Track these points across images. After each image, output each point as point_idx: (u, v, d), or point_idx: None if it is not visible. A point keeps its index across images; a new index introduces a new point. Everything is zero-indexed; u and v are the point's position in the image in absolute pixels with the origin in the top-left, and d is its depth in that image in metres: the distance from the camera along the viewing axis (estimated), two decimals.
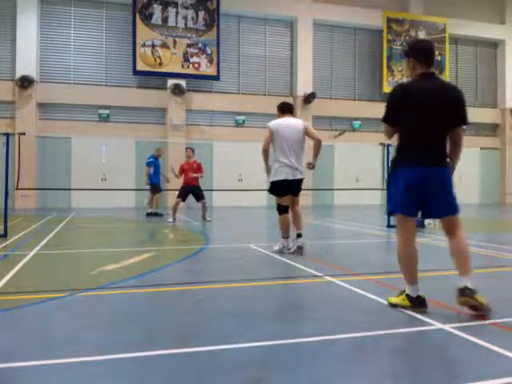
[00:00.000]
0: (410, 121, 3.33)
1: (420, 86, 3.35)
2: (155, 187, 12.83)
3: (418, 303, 3.32)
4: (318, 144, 6.10)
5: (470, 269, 3.27)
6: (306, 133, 6.10)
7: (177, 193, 11.61)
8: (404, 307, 3.37)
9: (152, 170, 12.82)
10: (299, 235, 6.08)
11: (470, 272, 3.26)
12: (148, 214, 12.78)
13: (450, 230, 3.43)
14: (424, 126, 3.30)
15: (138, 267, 5.28)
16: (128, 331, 2.97)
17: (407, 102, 3.33)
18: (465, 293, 3.16)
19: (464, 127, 3.61)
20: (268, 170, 6.14)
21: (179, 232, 9.59)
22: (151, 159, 13.04)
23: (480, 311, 3.17)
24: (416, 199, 3.31)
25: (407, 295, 3.38)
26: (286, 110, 6.23)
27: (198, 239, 8.20)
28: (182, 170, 11.63)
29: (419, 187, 3.28)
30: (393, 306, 3.46)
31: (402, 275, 3.42)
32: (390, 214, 3.54)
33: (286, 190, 6.04)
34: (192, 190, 11.45)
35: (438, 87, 3.39)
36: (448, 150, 3.48)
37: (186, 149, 12.03)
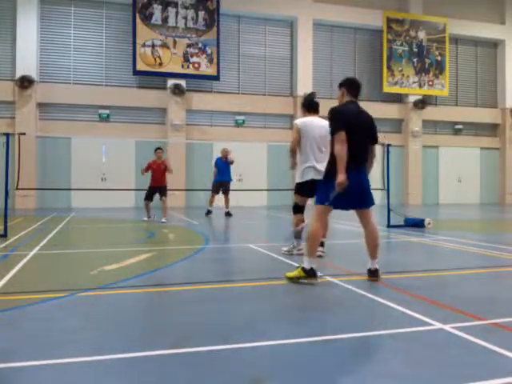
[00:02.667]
0: (349, 135, 4.13)
1: (351, 109, 4.33)
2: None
3: (311, 273, 4.19)
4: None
5: (377, 253, 4.40)
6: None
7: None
8: (299, 278, 4.20)
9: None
10: (322, 244, 5.82)
11: (377, 255, 4.40)
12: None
13: (366, 220, 4.40)
14: (358, 140, 4.22)
15: (138, 267, 5.28)
16: (128, 331, 2.97)
17: (347, 119, 4.19)
18: (376, 274, 4.37)
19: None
20: (293, 165, 5.93)
21: (179, 232, 9.59)
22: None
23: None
24: (346, 197, 4.17)
25: (303, 268, 4.21)
26: (312, 108, 5.95)
27: (197, 239, 8.19)
28: (149, 169, 11.62)
29: (352, 188, 4.11)
30: (290, 279, 4.26)
31: (307, 250, 4.23)
32: (315, 203, 4.31)
33: (311, 192, 5.68)
34: (157, 190, 11.60)
35: (361, 111, 4.42)
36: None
37: (156, 149, 11.83)
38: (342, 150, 4.11)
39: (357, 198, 4.27)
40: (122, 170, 18.74)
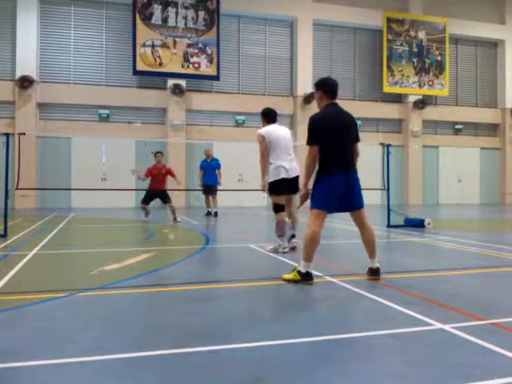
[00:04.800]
0: (331, 141, 4.20)
1: (330, 114, 4.30)
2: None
3: (306, 277, 4.23)
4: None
5: (376, 252, 4.50)
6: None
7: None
8: (295, 281, 4.23)
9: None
10: (293, 236, 6.35)
11: (376, 255, 4.50)
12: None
13: (360, 220, 4.43)
14: (341, 143, 4.24)
15: (138, 267, 5.28)
16: (128, 331, 2.97)
17: (326, 127, 4.21)
18: (378, 272, 4.46)
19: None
20: (264, 173, 6.26)
21: (179, 232, 9.59)
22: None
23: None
24: (338, 200, 4.26)
25: (298, 271, 4.25)
26: (272, 118, 6.45)
27: (197, 239, 8.19)
28: (149, 174, 11.14)
29: (342, 189, 4.21)
30: (287, 281, 4.30)
31: (304, 254, 4.25)
32: (310, 208, 4.30)
33: (284, 189, 6.20)
34: (157, 194, 11.10)
35: (341, 113, 4.37)
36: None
37: (156, 153, 11.39)
38: (309, 165, 4.20)
39: (348, 200, 4.30)
40: (122, 170, 18.71)
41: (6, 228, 7.83)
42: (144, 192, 11.67)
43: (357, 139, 4.47)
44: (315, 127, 4.23)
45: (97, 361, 2.45)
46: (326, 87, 4.38)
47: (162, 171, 11.14)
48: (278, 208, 6.29)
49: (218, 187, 13.28)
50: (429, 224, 9.60)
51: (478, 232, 9.76)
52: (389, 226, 9.65)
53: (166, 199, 11.04)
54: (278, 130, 6.30)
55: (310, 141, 4.21)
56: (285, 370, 2.34)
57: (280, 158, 6.12)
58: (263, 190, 6.35)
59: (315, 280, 4.50)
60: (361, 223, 4.45)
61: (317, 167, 4.31)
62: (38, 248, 6.64)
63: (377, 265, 4.46)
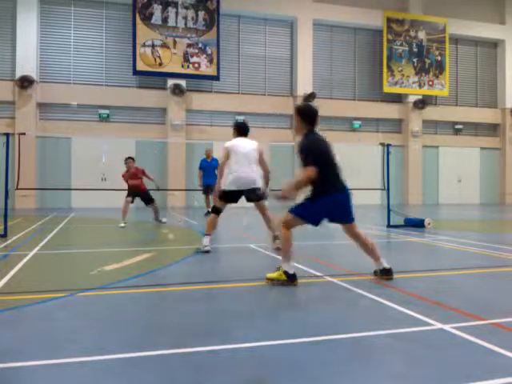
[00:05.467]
0: (328, 162, 4.36)
1: (320, 139, 4.43)
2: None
3: (293, 278, 4.28)
4: (266, 174, 6.64)
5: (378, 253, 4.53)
6: (260, 156, 6.52)
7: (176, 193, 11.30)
8: (281, 281, 4.26)
9: None
10: (276, 237, 6.35)
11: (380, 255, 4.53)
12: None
13: (352, 232, 4.54)
14: (333, 165, 4.44)
15: (138, 267, 5.28)
16: (128, 331, 2.97)
17: (323, 148, 4.37)
18: (389, 272, 4.46)
19: None
20: (220, 182, 6.49)
21: (179, 232, 9.59)
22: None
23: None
24: (328, 215, 4.44)
25: (285, 272, 4.30)
26: (244, 132, 6.60)
27: (197, 239, 8.19)
28: (127, 180, 10.76)
29: (335, 208, 4.38)
30: (270, 280, 4.33)
31: (284, 255, 4.38)
32: (295, 215, 4.41)
33: (228, 199, 6.47)
34: (139, 196, 10.71)
35: (324, 139, 4.49)
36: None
37: (126, 159, 10.95)
38: (302, 183, 4.30)
39: (338, 215, 4.46)
40: (122, 170, 18.71)
41: (6, 228, 7.83)
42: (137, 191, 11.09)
43: None
44: (314, 149, 4.31)
45: (97, 361, 2.45)
46: (307, 115, 4.42)
47: (136, 175, 10.66)
48: (215, 210, 6.55)
49: None
50: (429, 224, 9.60)
51: (477, 232, 9.76)
52: (389, 226, 9.65)
53: (147, 200, 10.72)
54: (241, 144, 6.44)
55: (311, 160, 4.24)
56: (285, 370, 2.34)
57: (238, 168, 6.32)
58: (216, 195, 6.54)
59: (315, 280, 4.50)
60: (353, 234, 4.55)
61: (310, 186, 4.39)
62: (38, 248, 6.64)
63: (387, 265, 4.49)
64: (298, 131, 4.48)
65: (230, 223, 11.82)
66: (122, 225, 10.05)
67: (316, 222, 4.44)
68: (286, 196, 4.34)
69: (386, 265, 4.47)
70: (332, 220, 4.48)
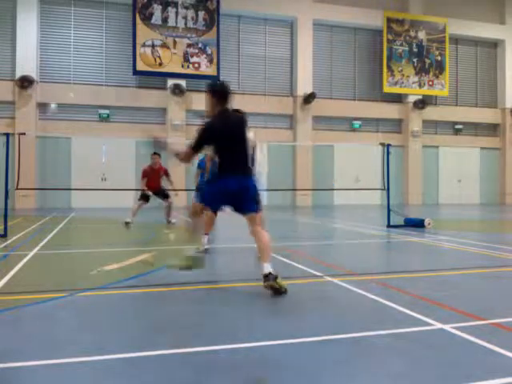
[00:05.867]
0: (224, 146, 4.19)
1: (218, 122, 4.22)
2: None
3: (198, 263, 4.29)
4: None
5: (270, 257, 4.06)
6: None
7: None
8: (184, 267, 4.26)
9: None
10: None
11: (269, 259, 4.01)
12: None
13: (254, 225, 4.25)
14: (234, 149, 4.19)
15: (138, 267, 5.28)
16: (128, 331, 2.97)
17: (217, 133, 4.18)
18: (269, 278, 3.87)
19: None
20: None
21: (179, 232, 9.59)
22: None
23: (281, 293, 3.85)
24: (224, 201, 4.30)
25: (189, 257, 4.27)
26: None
27: (197, 239, 8.18)
28: (145, 176, 10.33)
29: (230, 192, 4.15)
30: (171, 267, 4.37)
31: (192, 240, 4.49)
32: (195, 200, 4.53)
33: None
34: (158, 194, 10.38)
35: (227, 118, 4.24)
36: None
37: (153, 154, 10.48)
38: (180, 156, 4.27)
39: (234, 202, 4.23)
40: (122, 170, 18.74)
41: (6, 228, 7.83)
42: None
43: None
44: (204, 132, 4.19)
45: (97, 361, 2.45)
46: (215, 93, 4.24)
47: (159, 173, 10.46)
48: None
49: None
50: (429, 224, 9.60)
51: (478, 232, 9.76)
52: (389, 226, 9.65)
53: (165, 195, 10.45)
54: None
55: (193, 146, 4.20)
56: (285, 370, 2.34)
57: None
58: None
59: (315, 280, 4.50)
60: (253, 230, 4.26)
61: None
62: (38, 248, 6.64)
63: (268, 270, 3.91)
64: (210, 112, 4.26)
65: (230, 223, 11.82)
66: (129, 220, 9.63)
67: (212, 206, 4.41)
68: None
69: (268, 270, 3.91)
70: (234, 208, 4.30)
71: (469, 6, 23.77)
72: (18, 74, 17.84)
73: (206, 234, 6.41)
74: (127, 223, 9.57)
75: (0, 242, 7.12)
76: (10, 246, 6.90)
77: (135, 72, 19.13)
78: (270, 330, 2.97)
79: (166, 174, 10.60)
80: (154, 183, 10.33)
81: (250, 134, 6.37)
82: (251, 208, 4.22)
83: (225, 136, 4.16)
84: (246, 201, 4.20)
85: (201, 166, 13.46)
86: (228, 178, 4.12)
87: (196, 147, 4.21)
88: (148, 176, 10.35)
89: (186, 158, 4.28)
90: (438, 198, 23.56)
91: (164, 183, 10.86)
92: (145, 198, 10.30)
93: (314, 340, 2.76)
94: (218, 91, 4.23)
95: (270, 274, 3.87)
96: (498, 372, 2.28)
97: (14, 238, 7.76)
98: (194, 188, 12.90)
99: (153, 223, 11.07)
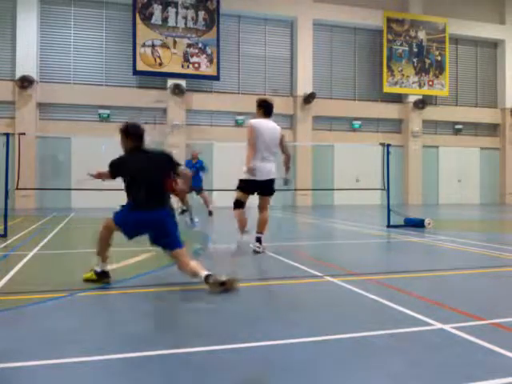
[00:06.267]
0: (132, 181, 4.33)
1: (135, 158, 4.38)
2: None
3: (103, 276, 4.31)
4: (287, 158, 6.37)
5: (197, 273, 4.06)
6: (280, 141, 6.24)
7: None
8: (93, 281, 4.28)
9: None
10: (258, 239, 6.21)
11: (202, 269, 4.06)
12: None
13: (181, 258, 4.19)
14: (144, 185, 4.27)
15: (138, 267, 5.28)
16: (128, 331, 2.97)
17: (124, 169, 4.37)
18: (208, 280, 3.93)
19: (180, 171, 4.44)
20: (249, 162, 6.15)
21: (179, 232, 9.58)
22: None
23: (228, 287, 3.89)
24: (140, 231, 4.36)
25: (95, 271, 4.33)
26: (269, 113, 6.25)
27: (197, 239, 8.19)
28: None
29: (143, 225, 4.27)
30: (86, 280, 4.33)
31: (98, 254, 4.34)
32: (114, 220, 4.36)
33: (250, 189, 6.20)
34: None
35: (147, 156, 4.38)
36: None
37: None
38: (103, 176, 4.58)
39: (153, 234, 4.31)
40: None
41: (6, 228, 7.83)
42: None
43: (174, 170, 4.39)
44: (111, 167, 4.42)
45: (97, 361, 2.45)
46: (132, 134, 4.40)
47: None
48: (237, 204, 6.26)
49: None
50: (429, 224, 9.60)
51: (478, 232, 9.76)
52: (389, 226, 9.65)
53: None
54: (266, 126, 6.11)
55: (107, 172, 4.46)
56: (285, 370, 2.34)
57: (257, 158, 6.04)
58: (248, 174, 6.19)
59: (315, 280, 4.50)
60: (179, 263, 4.24)
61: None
62: (38, 248, 6.64)
63: (205, 273, 4.02)
64: (123, 148, 4.46)
65: (230, 223, 11.82)
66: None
67: (128, 234, 4.35)
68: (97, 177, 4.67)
69: (206, 273, 4.02)
70: (153, 241, 4.34)
71: (469, 6, 23.77)
72: (18, 74, 17.83)
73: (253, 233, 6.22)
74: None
75: (0, 242, 7.12)
76: (10, 245, 6.90)
77: (135, 72, 19.12)
78: (270, 330, 2.97)
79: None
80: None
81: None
82: (174, 244, 4.25)
83: (133, 171, 4.32)
84: (165, 235, 4.25)
85: (187, 166, 13.36)
86: (140, 212, 4.24)
87: (110, 175, 4.46)
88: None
89: (105, 177, 4.57)
90: (438, 198, 23.56)
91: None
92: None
93: (313, 340, 2.76)
94: (131, 132, 4.38)
95: (209, 275, 3.97)
96: (497, 372, 2.28)
97: (14, 238, 7.76)
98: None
99: None
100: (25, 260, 5.59)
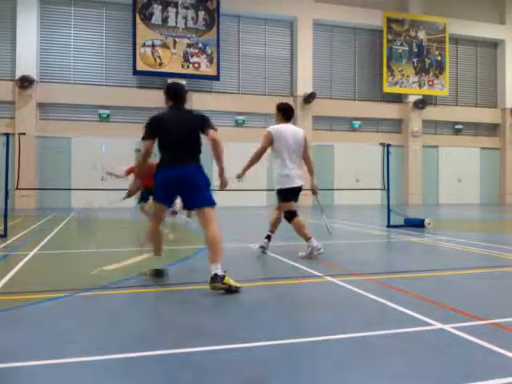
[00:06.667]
0: (165, 139, 4.31)
1: (170, 115, 4.43)
2: None
3: (156, 274, 4.45)
4: (308, 162, 6.14)
5: (218, 257, 4.01)
6: (305, 144, 6.02)
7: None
8: (152, 276, 4.44)
9: None
10: (268, 237, 6.14)
11: (218, 260, 3.98)
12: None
13: (204, 222, 4.18)
14: (173, 141, 4.29)
15: (138, 267, 5.28)
16: (128, 331, 2.97)
17: (161, 125, 4.34)
18: (215, 280, 3.85)
19: (211, 130, 4.44)
20: (246, 170, 6.05)
21: (179, 232, 9.58)
22: None
23: (232, 291, 3.85)
24: (171, 193, 4.34)
25: (151, 269, 4.47)
26: (288, 117, 6.03)
27: (198, 239, 8.19)
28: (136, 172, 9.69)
29: (172, 183, 4.20)
30: (144, 274, 4.50)
31: (154, 254, 4.55)
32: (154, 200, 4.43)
33: (291, 197, 5.93)
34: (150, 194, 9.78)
35: (182, 114, 4.44)
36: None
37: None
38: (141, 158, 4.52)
39: (182, 192, 4.29)
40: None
41: (6, 228, 7.83)
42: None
43: (204, 131, 4.42)
44: (149, 123, 4.40)
45: (97, 361, 2.45)
46: (169, 93, 4.51)
47: (153, 170, 9.94)
48: (290, 215, 5.91)
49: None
50: (429, 224, 9.60)
51: (477, 232, 9.76)
52: (389, 226, 9.65)
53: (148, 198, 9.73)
54: (287, 131, 5.89)
55: (143, 136, 4.41)
56: (285, 370, 2.34)
57: (286, 165, 5.82)
58: (238, 179, 6.08)
59: (315, 280, 4.50)
60: (204, 225, 4.18)
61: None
62: (38, 248, 6.64)
63: (216, 271, 3.90)
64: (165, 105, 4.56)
65: (230, 223, 11.81)
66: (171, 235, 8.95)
67: (162, 200, 4.35)
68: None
69: (214, 271, 3.91)
70: (183, 200, 4.42)
71: (469, 6, 23.77)
72: (18, 74, 17.83)
73: (309, 237, 5.83)
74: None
75: (0, 242, 7.12)
76: (10, 245, 6.90)
77: (135, 72, 19.12)
78: (270, 330, 2.96)
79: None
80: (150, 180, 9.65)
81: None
82: (205, 201, 4.17)
83: (165, 127, 4.30)
84: (195, 191, 4.17)
85: None
86: (168, 169, 4.21)
87: (144, 138, 4.38)
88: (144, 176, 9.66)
89: (143, 152, 4.44)
90: (438, 198, 23.56)
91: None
92: (146, 199, 9.52)
93: (313, 340, 2.76)
94: (169, 90, 4.49)
95: (216, 275, 3.87)
96: (498, 372, 2.28)
97: (14, 238, 7.76)
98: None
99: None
100: (25, 260, 5.59)
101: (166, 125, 4.32)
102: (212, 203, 4.22)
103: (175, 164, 4.19)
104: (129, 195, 5.16)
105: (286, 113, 6.01)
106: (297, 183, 5.84)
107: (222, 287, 3.83)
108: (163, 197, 4.32)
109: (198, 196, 4.17)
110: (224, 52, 20.36)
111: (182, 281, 4.55)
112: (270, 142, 5.90)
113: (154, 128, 4.33)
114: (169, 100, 4.47)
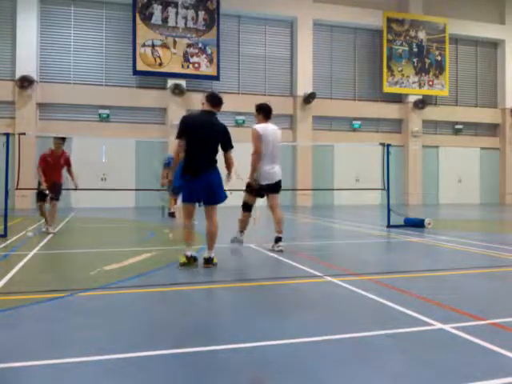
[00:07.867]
0: (192, 141, 5.05)
1: (199, 117, 5.25)
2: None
3: (192, 260, 5.16)
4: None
5: (213, 245, 5.18)
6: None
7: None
8: (185, 264, 5.10)
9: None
10: (279, 239, 6.35)
11: (213, 247, 5.18)
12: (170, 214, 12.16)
13: (208, 214, 5.18)
14: (197, 147, 5.02)
15: (138, 267, 5.28)
16: (128, 331, 2.97)
17: (189, 128, 5.08)
18: (208, 261, 5.10)
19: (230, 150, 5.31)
20: (254, 172, 6.29)
21: (179, 232, 9.59)
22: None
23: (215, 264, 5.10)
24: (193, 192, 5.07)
25: (185, 255, 5.16)
26: (268, 117, 6.50)
27: (197, 239, 8.19)
28: (42, 163, 8.86)
29: (197, 185, 5.01)
30: (182, 265, 5.11)
31: (184, 240, 5.24)
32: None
33: (260, 193, 6.45)
34: (54, 189, 8.68)
35: (210, 121, 5.17)
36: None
37: (58, 138, 9.14)
38: (175, 155, 5.13)
39: (203, 194, 5.06)
40: (122, 170, 18.75)
41: (6, 228, 7.83)
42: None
43: (225, 149, 5.20)
44: (181, 122, 5.10)
45: (97, 361, 2.45)
46: (209, 99, 5.28)
47: (60, 160, 8.89)
48: (247, 207, 6.50)
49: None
50: (429, 224, 9.60)
51: (477, 232, 9.76)
52: (389, 226, 9.65)
53: (58, 193, 8.81)
54: (270, 130, 6.36)
55: (177, 134, 5.09)
56: (285, 370, 2.34)
57: (266, 163, 6.25)
58: (252, 187, 6.35)
59: (315, 280, 4.50)
60: (208, 217, 5.19)
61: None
62: (37, 248, 6.64)
63: (209, 255, 5.12)
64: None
65: (230, 223, 11.82)
66: (44, 229, 8.52)
67: (191, 201, 5.10)
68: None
69: (210, 255, 5.15)
70: (202, 202, 5.14)
71: (469, 6, 23.76)
72: (18, 74, 17.82)
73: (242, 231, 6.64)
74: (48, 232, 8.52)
75: (0, 242, 7.12)
76: (10, 246, 6.90)
77: (135, 72, 19.12)
78: (270, 330, 2.97)
79: (69, 164, 9.02)
80: (53, 174, 8.71)
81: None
82: (214, 200, 5.11)
83: (195, 130, 5.00)
84: (210, 194, 5.04)
85: (169, 165, 13.21)
86: (193, 180, 4.96)
87: (177, 136, 5.06)
88: (46, 163, 8.79)
89: (176, 149, 5.11)
90: (438, 198, 23.55)
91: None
92: (44, 197, 8.70)
93: (314, 340, 2.76)
94: (208, 98, 5.25)
95: (209, 258, 5.12)
96: (498, 372, 2.28)
97: (14, 237, 7.76)
98: (160, 187, 12.63)
99: (152, 223, 11.06)
100: (25, 260, 5.59)
101: (197, 129, 5.01)
102: (221, 201, 5.15)
103: (199, 174, 4.97)
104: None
105: (266, 113, 6.48)
106: (274, 180, 6.37)
107: (210, 266, 5.08)
108: (190, 199, 5.11)
109: (214, 197, 5.08)
110: (224, 52, 20.36)
111: (182, 281, 4.56)
112: (261, 140, 6.24)
113: (186, 130, 5.01)
114: (208, 104, 5.17)
